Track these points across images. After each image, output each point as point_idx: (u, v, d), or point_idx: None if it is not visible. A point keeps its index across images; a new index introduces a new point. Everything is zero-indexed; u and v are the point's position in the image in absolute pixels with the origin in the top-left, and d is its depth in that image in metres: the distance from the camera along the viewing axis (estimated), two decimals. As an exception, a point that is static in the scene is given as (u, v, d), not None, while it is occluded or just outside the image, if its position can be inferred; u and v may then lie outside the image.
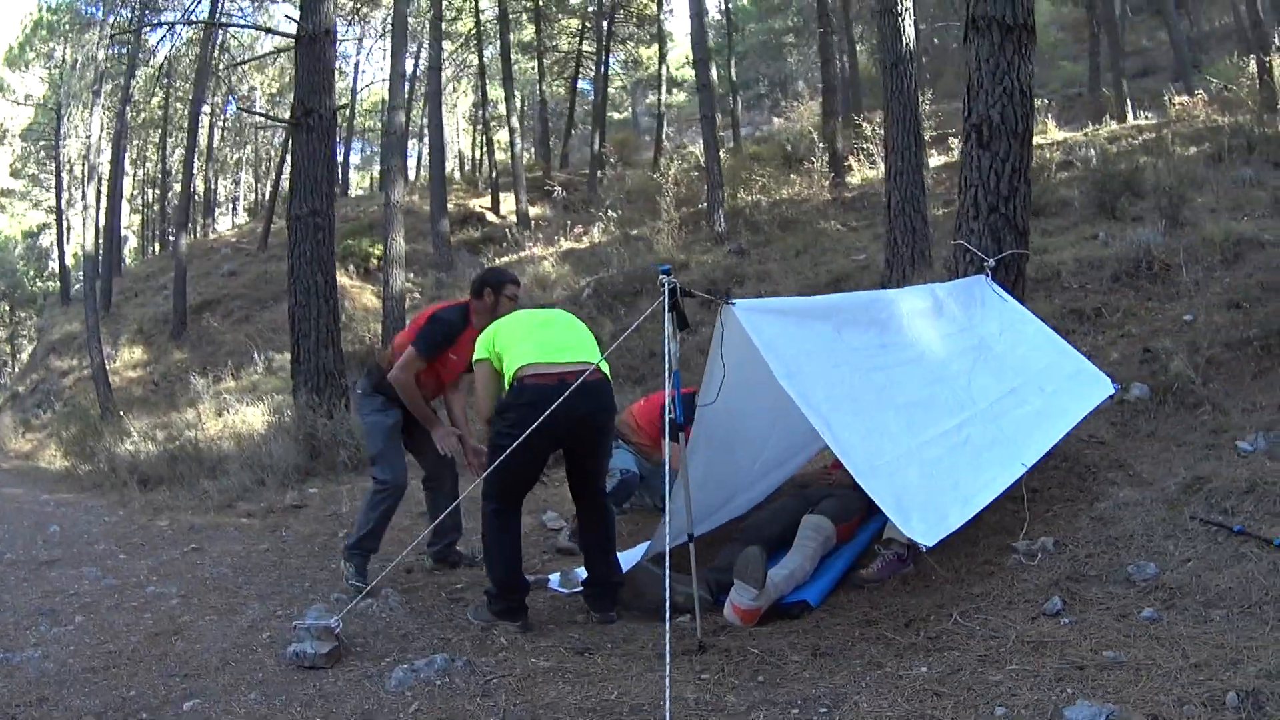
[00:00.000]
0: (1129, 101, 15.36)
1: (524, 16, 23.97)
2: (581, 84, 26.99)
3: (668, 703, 2.61)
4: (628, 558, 4.33)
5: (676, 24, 58.40)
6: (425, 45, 20.88)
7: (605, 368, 3.84)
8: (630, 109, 36.11)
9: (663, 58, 25.25)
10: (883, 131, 14.60)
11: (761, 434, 4.41)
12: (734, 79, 26.18)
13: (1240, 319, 6.08)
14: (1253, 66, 13.22)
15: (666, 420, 3.60)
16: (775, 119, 24.96)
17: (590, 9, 24.30)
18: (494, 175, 22.63)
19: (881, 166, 14.98)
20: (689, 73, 27.45)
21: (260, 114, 23.70)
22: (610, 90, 26.99)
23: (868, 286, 9.58)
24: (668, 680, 2.67)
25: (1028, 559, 3.91)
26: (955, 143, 14.70)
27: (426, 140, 22.40)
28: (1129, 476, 4.62)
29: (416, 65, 23.79)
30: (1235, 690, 2.59)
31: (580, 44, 24.78)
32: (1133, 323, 6.94)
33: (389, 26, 20.01)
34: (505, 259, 15.37)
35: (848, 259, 11.28)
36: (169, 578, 4.80)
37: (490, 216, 21.24)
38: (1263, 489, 3.90)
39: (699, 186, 15.42)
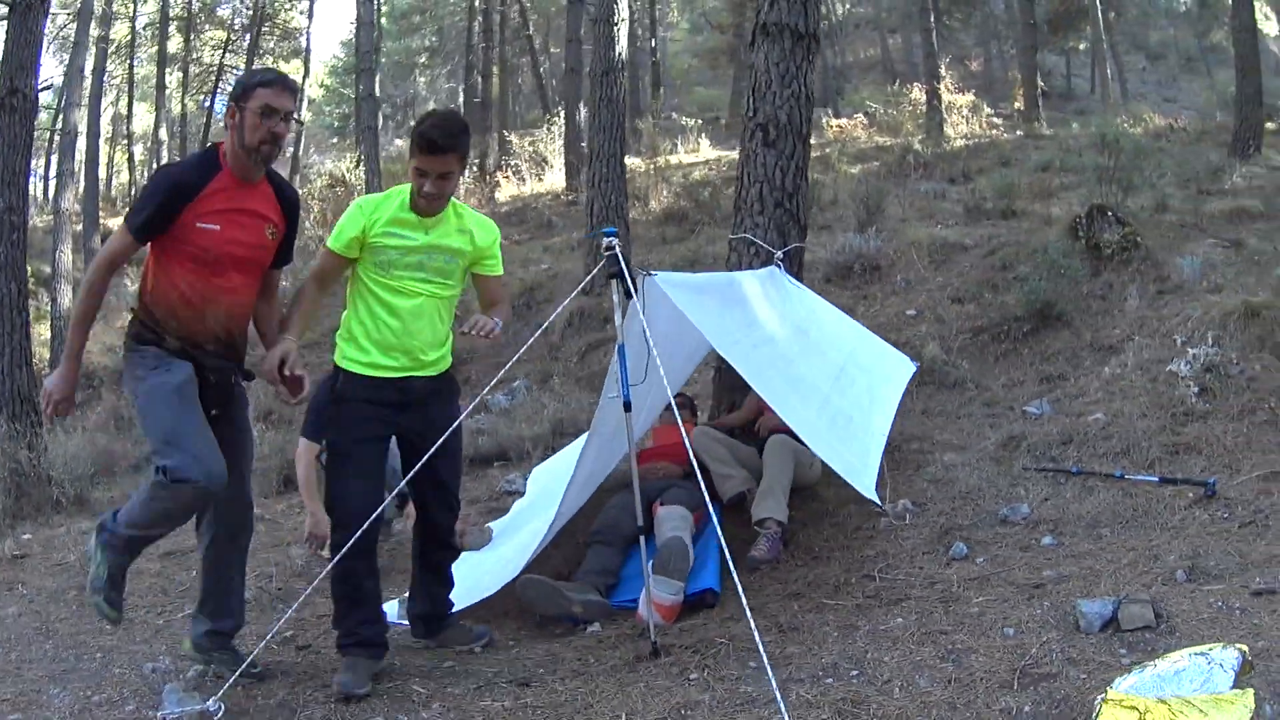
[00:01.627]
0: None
1: (173, 26, 24.80)
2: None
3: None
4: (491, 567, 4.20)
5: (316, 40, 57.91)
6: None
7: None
8: None
9: (306, 72, 26.90)
10: (560, 143, 15.73)
11: (614, 426, 4.55)
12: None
13: (969, 311, 7.74)
14: (916, 93, 16.86)
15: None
16: (398, 140, 26.33)
17: (238, 21, 25.98)
18: (132, 190, 23.79)
19: (531, 182, 16.25)
20: (317, 91, 30.04)
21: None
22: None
23: (565, 295, 10.22)
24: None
25: (897, 520, 4.62)
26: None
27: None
28: (937, 444, 5.66)
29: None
30: (1181, 568, 3.43)
31: (223, 57, 26.16)
32: (858, 318, 8.38)
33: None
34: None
35: (529, 270, 11.89)
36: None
37: None
38: (1079, 439, 5.11)
39: (343, 202, 16.06)
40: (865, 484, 3.91)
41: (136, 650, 4.04)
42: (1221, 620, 3.02)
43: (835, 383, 4.94)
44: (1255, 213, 8.71)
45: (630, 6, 11.68)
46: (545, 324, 4.49)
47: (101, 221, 18.95)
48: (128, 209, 3.38)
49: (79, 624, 4.44)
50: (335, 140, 33.09)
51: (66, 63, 14.77)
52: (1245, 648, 2.42)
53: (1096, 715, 2.31)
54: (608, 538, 4.42)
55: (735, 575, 2.96)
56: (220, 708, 3.03)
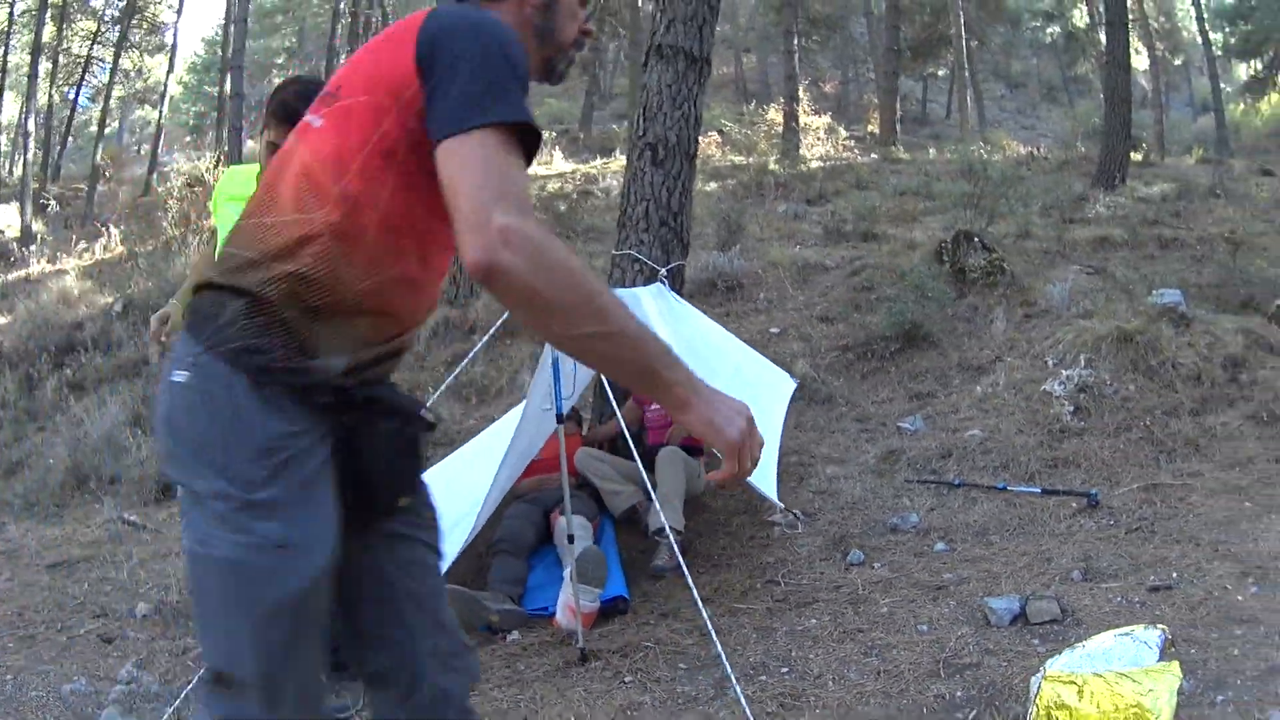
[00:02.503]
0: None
1: (48, 14, 24.32)
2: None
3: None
4: None
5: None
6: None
7: None
8: (118, 122, 37.03)
9: (171, 67, 27.84)
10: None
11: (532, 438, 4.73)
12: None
13: (836, 330, 8.22)
14: (773, 113, 17.58)
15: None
16: (250, 140, 26.66)
17: (109, 12, 26.44)
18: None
19: None
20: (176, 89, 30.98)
21: None
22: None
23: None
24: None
25: (789, 529, 4.93)
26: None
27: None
28: (817, 457, 6.03)
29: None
30: (1076, 569, 3.85)
31: (91, 49, 26.56)
32: (722, 337, 8.80)
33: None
34: (15, 274, 15.45)
35: None
36: None
37: None
38: (958, 453, 5.58)
39: (200, 202, 16.28)
40: (768, 488, 4.31)
41: (47, 671, 3.95)
42: (1124, 613, 3.42)
43: (730, 393, 5.20)
44: (1119, 241, 9.65)
45: None
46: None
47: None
48: (467, 96, 1.54)
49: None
50: (190, 138, 32.99)
51: None
52: (1165, 628, 2.78)
53: (1038, 693, 2.60)
54: (511, 547, 4.61)
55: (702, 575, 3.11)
56: None
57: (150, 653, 4.15)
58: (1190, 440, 5.33)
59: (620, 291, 5.48)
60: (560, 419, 3.88)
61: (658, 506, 4.46)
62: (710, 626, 2.98)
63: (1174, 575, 3.72)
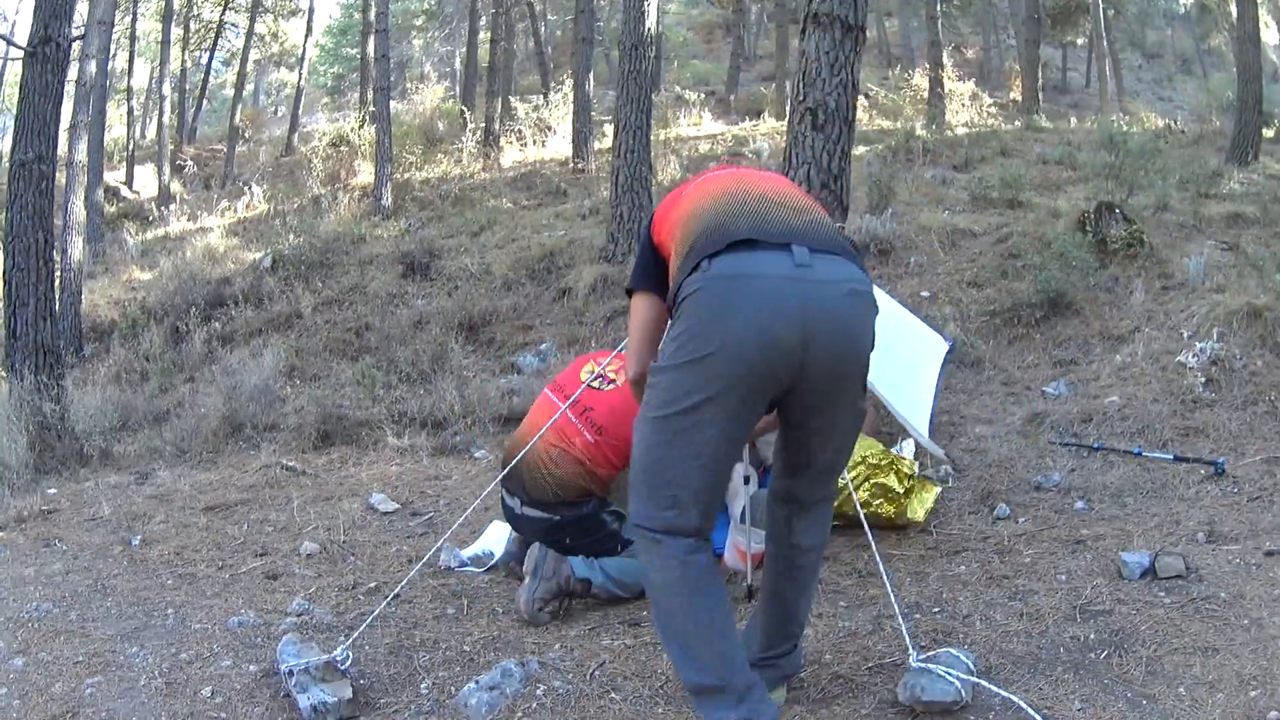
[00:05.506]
0: (788, 102, 19.06)
1: (178, -21, 25.23)
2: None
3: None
4: None
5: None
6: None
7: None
8: (253, 85, 37.29)
9: (309, 30, 27.46)
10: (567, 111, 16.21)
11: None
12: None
13: (984, 296, 8.37)
14: (918, 79, 17.46)
15: None
16: (394, 102, 27.25)
17: None
18: (131, 147, 23.41)
19: (534, 148, 16.82)
20: (314, 52, 31.19)
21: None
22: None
23: (584, 262, 10.73)
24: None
25: (941, 482, 5.25)
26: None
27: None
28: (965, 418, 6.31)
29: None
30: (1201, 531, 4.11)
31: (223, 14, 26.73)
32: (876, 299, 9.04)
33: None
34: (153, 233, 15.65)
35: (541, 235, 12.33)
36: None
37: (125, 191, 21.26)
38: (1098, 418, 5.79)
39: (345, 161, 16.78)
40: (926, 440, 4.63)
41: (210, 605, 4.01)
42: (1241, 573, 3.69)
43: (884, 354, 5.55)
44: (1252, 219, 9.40)
45: None
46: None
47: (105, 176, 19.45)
48: None
49: (136, 580, 4.43)
50: (327, 100, 33.49)
51: (86, 14, 14.84)
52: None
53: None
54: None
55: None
56: (349, 656, 3.11)
57: (319, 588, 4.23)
58: (1314, 416, 5.41)
59: None
60: None
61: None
62: (881, 566, 3.37)
63: (1291, 541, 3.95)
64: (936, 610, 3.69)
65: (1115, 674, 3.03)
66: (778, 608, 2.89)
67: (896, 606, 3.18)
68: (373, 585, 4.32)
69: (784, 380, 2.43)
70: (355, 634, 3.41)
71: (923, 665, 2.86)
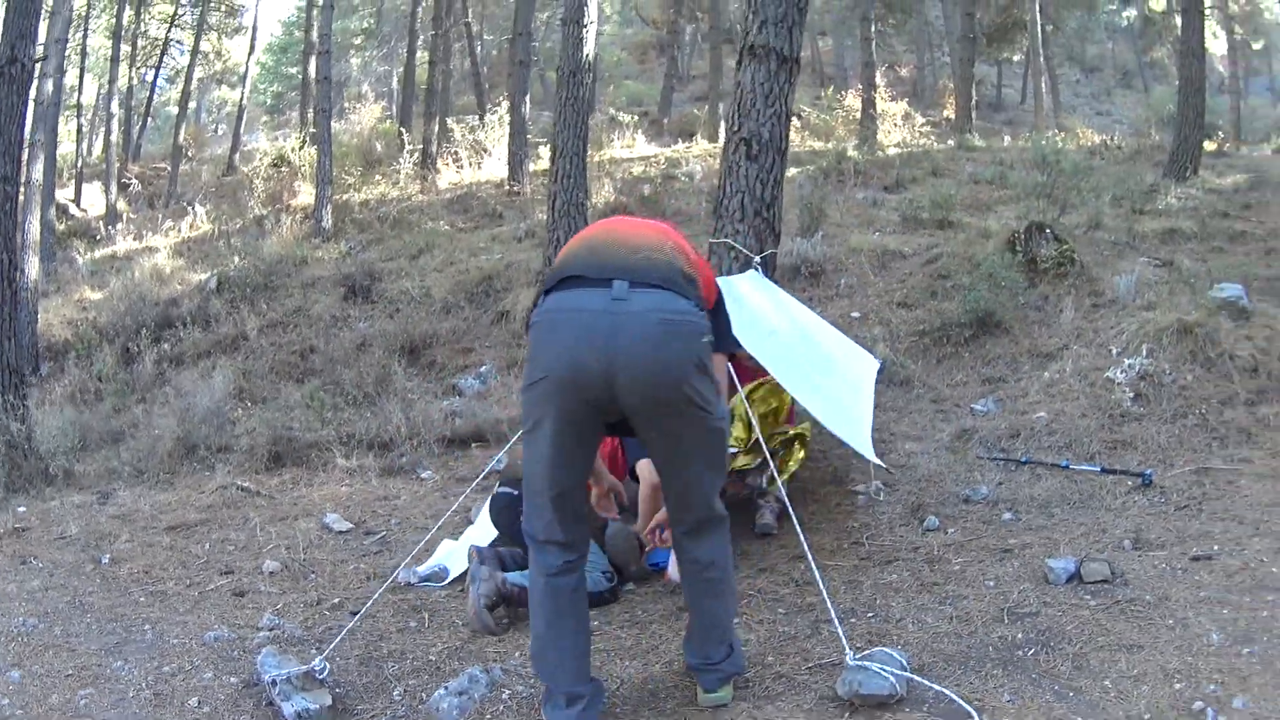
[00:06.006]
0: (722, 124, 19.42)
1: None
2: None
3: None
4: None
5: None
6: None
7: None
8: (195, 103, 37.46)
9: (252, 49, 28.10)
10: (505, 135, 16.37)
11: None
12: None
13: (914, 316, 8.61)
14: (851, 99, 17.88)
15: None
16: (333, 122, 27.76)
17: None
18: (79, 165, 23.90)
19: (470, 170, 17.12)
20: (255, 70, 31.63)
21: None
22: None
23: (521, 285, 10.88)
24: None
25: (873, 497, 5.40)
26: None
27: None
28: (896, 435, 6.49)
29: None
30: (1127, 539, 4.28)
31: (169, 31, 27.49)
32: (806, 319, 9.22)
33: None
34: (101, 252, 16.07)
35: (479, 258, 12.43)
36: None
37: (74, 209, 21.56)
38: (1025, 434, 6.01)
39: (286, 181, 17.26)
40: (867, 451, 4.80)
41: (185, 621, 4.33)
42: (1166, 578, 3.86)
43: (824, 372, 5.72)
44: (1189, 234, 9.85)
45: (599, 7, 12.36)
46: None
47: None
48: None
49: (110, 597, 4.71)
50: (267, 118, 33.85)
51: (45, 33, 14.65)
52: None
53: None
54: (631, 509, 5.07)
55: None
56: (326, 666, 3.47)
57: (285, 604, 4.56)
58: (1243, 428, 5.68)
59: (720, 280, 5.99)
60: None
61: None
62: (817, 573, 3.49)
63: (1215, 548, 4.14)
64: (870, 615, 3.84)
65: (1042, 669, 3.17)
66: (702, 617, 3.17)
67: (833, 611, 3.32)
68: (336, 601, 4.61)
69: (600, 402, 2.78)
70: (330, 646, 3.69)
71: (859, 663, 3.04)
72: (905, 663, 3.10)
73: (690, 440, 2.90)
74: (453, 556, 5.02)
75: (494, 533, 4.96)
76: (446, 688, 3.34)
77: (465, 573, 4.57)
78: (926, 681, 3.04)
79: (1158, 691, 2.97)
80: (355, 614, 4.15)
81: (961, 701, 2.89)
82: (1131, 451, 5.59)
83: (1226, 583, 3.76)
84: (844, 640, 3.15)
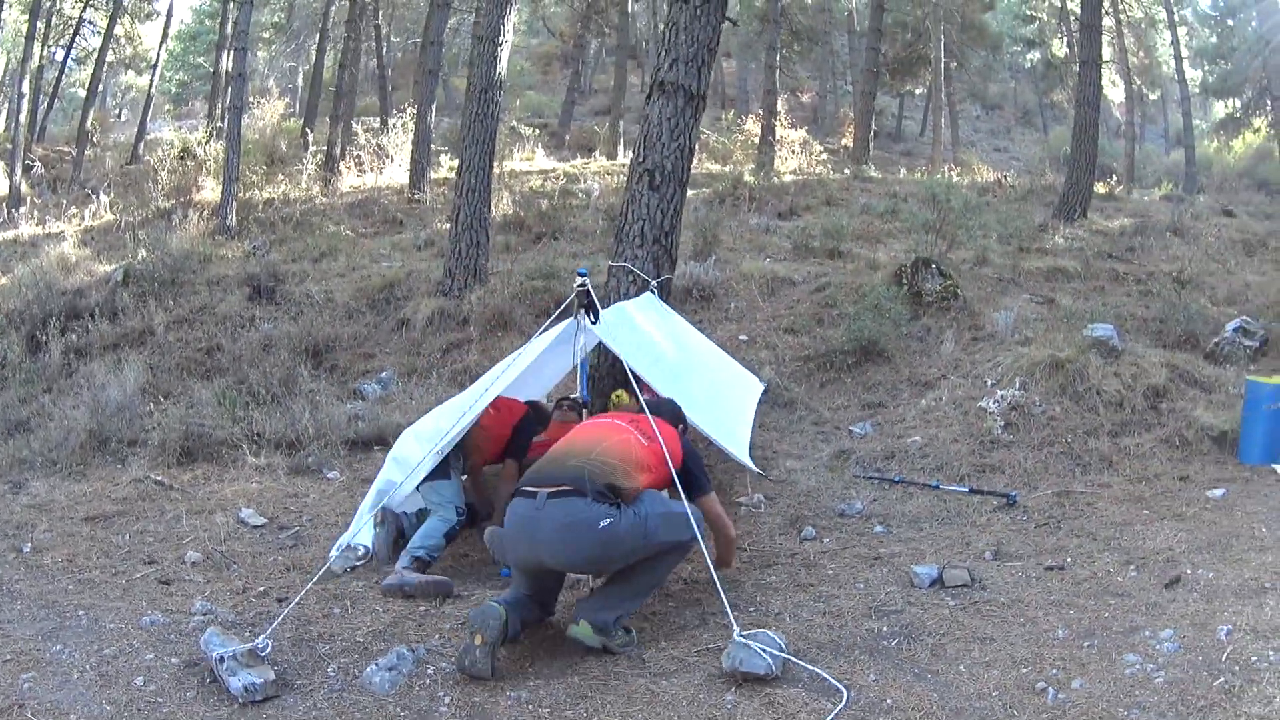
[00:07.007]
0: (621, 141, 19.97)
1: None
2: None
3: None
4: None
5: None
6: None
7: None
8: (102, 87, 36.11)
9: (165, 36, 28.02)
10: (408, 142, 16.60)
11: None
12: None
13: (800, 342, 9.19)
14: (751, 125, 18.57)
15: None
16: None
17: None
18: None
19: (371, 175, 17.42)
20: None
21: None
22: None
23: (422, 294, 11.18)
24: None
25: (754, 509, 5.88)
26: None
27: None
28: (778, 453, 7.02)
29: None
30: (989, 551, 4.83)
31: (84, 11, 27.32)
32: (695, 341, 9.72)
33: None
34: (4, 235, 15.92)
35: (380, 264, 12.65)
36: None
37: None
38: (900, 455, 6.60)
39: (191, 175, 17.26)
40: (747, 461, 5.45)
41: (117, 607, 4.52)
42: (1021, 584, 4.42)
43: (710, 391, 6.23)
44: (1072, 273, 10.74)
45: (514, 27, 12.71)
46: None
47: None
48: None
49: (38, 585, 4.85)
50: (170, 107, 33.34)
51: None
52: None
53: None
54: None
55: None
56: (268, 644, 3.78)
57: (213, 592, 4.80)
58: (1105, 457, 6.36)
59: (613, 308, 6.41)
60: (582, 404, 5.24)
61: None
62: (713, 570, 3.97)
63: (1068, 560, 4.73)
64: (752, 609, 4.31)
65: (904, 656, 3.66)
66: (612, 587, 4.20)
67: (723, 596, 3.79)
68: (261, 589, 4.88)
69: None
70: (271, 627, 3.99)
71: (743, 640, 3.54)
72: (784, 645, 3.61)
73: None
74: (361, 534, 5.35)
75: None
76: (377, 664, 3.78)
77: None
78: (801, 663, 3.54)
79: (1006, 675, 3.46)
80: (283, 600, 4.52)
81: (832, 679, 3.39)
82: (999, 475, 6.21)
83: (1075, 589, 4.33)
84: (731, 618, 3.65)
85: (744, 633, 3.57)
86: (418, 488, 5.26)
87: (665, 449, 4.33)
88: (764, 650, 3.47)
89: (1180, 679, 3.31)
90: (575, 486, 3.97)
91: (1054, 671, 3.46)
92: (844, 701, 3.28)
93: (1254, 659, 3.37)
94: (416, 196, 15.89)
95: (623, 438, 4.32)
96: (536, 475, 4.16)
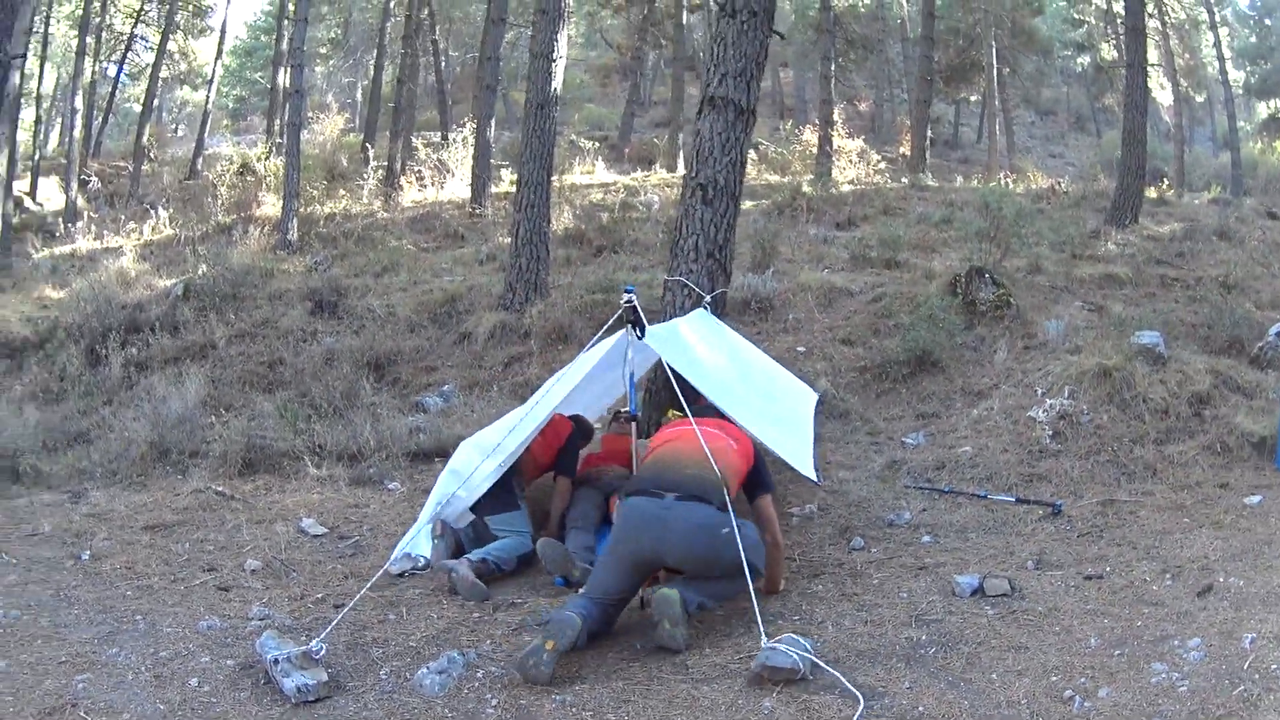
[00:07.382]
0: (681, 153, 20.25)
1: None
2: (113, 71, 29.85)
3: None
4: None
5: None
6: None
7: None
8: (158, 102, 37.23)
9: (220, 53, 28.36)
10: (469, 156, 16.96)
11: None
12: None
13: (856, 353, 9.34)
14: (809, 135, 18.74)
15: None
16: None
17: None
18: (36, 157, 24.25)
19: (433, 189, 17.74)
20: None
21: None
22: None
23: (483, 308, 11.46)
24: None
25: (805, 519, 6.06)
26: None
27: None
28: (830, 463, 7.18)
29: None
30: (1031, 560, 4.98)
31: (134, 27, 27.87)
32: (753, 353, 9.90)
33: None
34: (60, 250, 16.36)
35: (442, 279, 13.00)
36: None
37: (29, 203, 21.81)
38: (950, 466, 6.73)
39: (251, 190, 17.59)
40: (808, 471, 5.59)
41: (175, 612, 4.72)
42: (1060, 593, 4.56)
43: (767, 401, 6.42)
44: (1124, 279, 10.73)
45: (568, 42, 12.98)
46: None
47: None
48: None
49: (96, 591, 5.06)
50: (227, 123, 33.97)
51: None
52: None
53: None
54: (582, 523, 5.81)
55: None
56: (322, 647, 3.98)
57: (271, 598, 5.00)
58: (1149, 465, 6.46)
59: (660, 325, 6.64)
60: (633, 419, 5.44)
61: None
62: (750, 583, 4.14)
63: (1107, 569, 4.86)
64: (796, 618, 4.52)
65: (940, 664, 3.84)
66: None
67: (757, 608, 4.01)
68: (320, 596, 5.12)
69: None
70: (326, 630, 4.22)
71: (771, 646, 3.77)
72: (809, 646, 3.83)
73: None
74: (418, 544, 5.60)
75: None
76: (428, 667, 3.96)
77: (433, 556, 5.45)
78: (827, 668, 3.74)
79: (1036, 684, 3.63)
80: (340, 606, 4.67)
81: (850, 686, 3.59)
82: (1046, 484, 6.34)
83: (1111, 598, 4.47)
84: (761, 628, 3.89)
85: (771, 640, 3.81)
86: (490, 523, 5.59)
87: (750, 448, 4.90)
88: (790, 650, 3.71)
89: (1203, 688, 3.44)
90: (700, 494, 4.40)
91: (1083, 680, 3.62)
92: (860, 708, 3.45)
93: (1274, 667, 3.49)
94: (478, 211, 16.17)
95: (720, 445, 4.76)
96: (657, 479, 4.55)
